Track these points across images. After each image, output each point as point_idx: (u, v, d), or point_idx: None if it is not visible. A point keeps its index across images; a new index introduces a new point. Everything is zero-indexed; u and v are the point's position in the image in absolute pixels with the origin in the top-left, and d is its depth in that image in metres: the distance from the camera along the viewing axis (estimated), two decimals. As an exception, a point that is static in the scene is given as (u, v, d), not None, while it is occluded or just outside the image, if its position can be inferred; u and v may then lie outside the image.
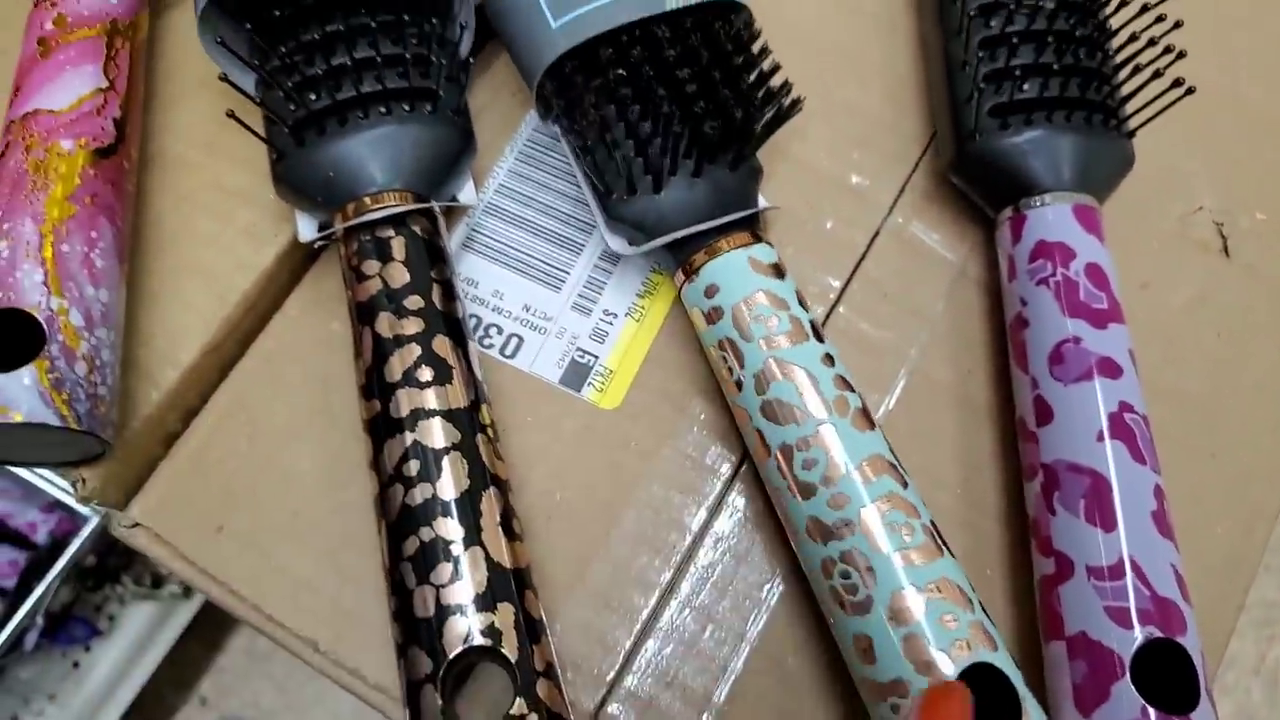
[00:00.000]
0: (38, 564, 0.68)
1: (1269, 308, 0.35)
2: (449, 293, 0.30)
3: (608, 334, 0.33)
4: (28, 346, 0.28)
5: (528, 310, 0.34)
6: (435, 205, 0.31)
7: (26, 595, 0.66)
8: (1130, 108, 0.33)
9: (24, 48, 0.32)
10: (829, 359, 0.29)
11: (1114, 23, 0.33)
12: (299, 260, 0.34)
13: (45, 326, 0.28)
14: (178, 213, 0.34)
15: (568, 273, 0.34)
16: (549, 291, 0.34)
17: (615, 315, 0.34)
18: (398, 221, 0.30)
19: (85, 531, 0.67)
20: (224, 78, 0.31)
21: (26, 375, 0.27)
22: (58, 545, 0.69)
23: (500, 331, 0.33)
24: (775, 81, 0.32)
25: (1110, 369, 0.30)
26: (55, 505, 0.69)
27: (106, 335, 0.29)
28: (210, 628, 0.82)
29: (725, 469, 0.32)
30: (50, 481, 0.66)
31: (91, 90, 0.31)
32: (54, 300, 0.28)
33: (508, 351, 0.33)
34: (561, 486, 0.32)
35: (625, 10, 0.31)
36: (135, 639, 0.77)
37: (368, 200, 0.30)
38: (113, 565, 0.77)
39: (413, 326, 0.29)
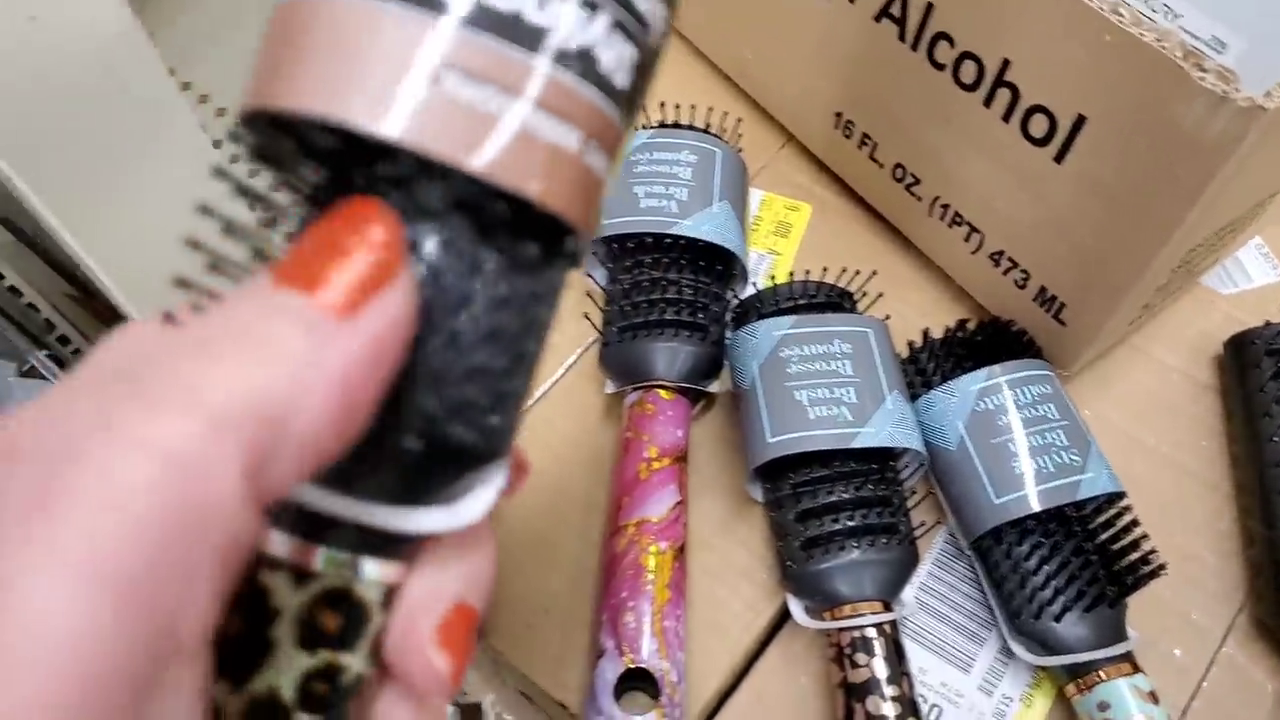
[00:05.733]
0: None
1: None
2: (910, 682, 0.43)
3: (1005, 714, 0.46)
4: (640, 695, 0.42)
5: (945, 687, 0.46)
6: (897, 614, 0.45)
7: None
8: None
9: (626, 467, 0.48)
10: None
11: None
12: (778, 622, 0.48)
13: (659, 682, 0.42)
14: (700, 584, 0.48)
15: (974, 660, 0.47)
16: (960, 673, 0.47)
17: (1011, 699, 0.46)
18: (878, 626, 0.44)
19: None
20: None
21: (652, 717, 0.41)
22: None
23: (925, 701, 0.46)
24: (1141, 556, 0.45)
25: None
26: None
27: (683, 689, 0.43)
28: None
29: (1097, 838, 0.43)
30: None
31: (672, 505, 0.47)
32: (662, 663, 0.42)
33: (932, 718, 0.46)
34: (974, 833, 0.43)
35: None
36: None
37: (848, 609, 0.44)
38: None
39: (891, 710, 0.42)
